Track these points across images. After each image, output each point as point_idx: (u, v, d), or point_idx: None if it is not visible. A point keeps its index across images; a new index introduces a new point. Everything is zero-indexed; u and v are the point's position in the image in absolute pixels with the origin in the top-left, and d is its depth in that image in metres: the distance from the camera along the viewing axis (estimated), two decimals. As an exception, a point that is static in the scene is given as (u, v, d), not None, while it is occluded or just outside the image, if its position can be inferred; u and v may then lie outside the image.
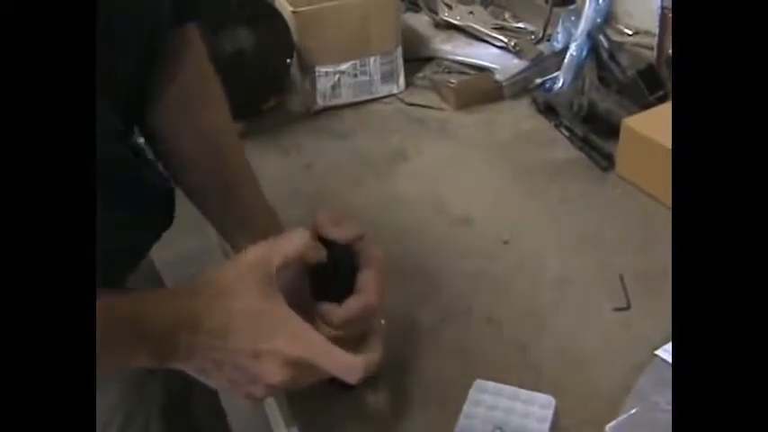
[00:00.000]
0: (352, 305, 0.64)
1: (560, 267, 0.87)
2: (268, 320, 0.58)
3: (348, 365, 0.59)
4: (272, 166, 1.11)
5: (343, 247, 0.65)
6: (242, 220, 0.74)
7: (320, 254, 0.64)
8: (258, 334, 0.57)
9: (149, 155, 0.75)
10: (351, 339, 0.64)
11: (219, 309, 0.58)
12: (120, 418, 0.76)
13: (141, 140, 0.75)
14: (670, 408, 0.66)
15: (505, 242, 0.92)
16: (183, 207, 0.75)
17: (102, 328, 0.46)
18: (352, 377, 0.59)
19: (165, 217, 0.72)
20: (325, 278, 0.66)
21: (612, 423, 0.67)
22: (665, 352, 0.73)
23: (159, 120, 0.72)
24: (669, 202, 0.95)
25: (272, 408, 0.97)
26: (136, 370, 0.78)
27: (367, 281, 0.65)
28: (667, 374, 0.70)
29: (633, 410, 0.67)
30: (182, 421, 0.88)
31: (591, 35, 1.18)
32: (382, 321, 0.68)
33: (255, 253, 0.60)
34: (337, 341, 0.64)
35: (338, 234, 0.65)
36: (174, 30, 0.71)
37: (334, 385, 0.73)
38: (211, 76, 0.76)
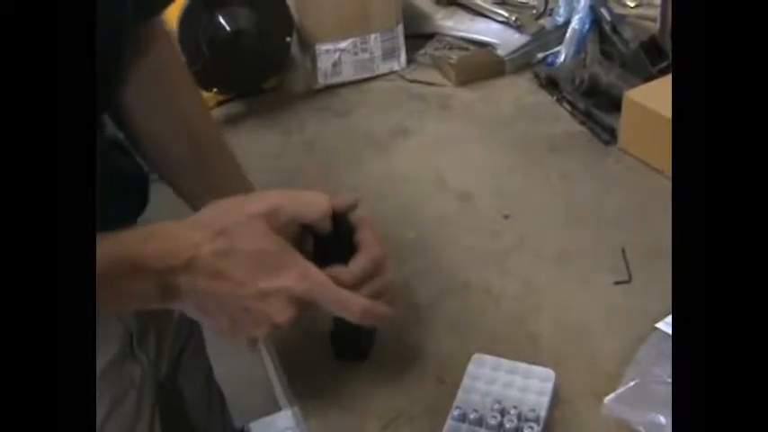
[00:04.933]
0: (361, 261, 0.64)
1: (561, 241, 0.87)
2: (272, 260, 0.58)
3: (353, 302, 0.61)
4: (274, 145, 1.11)
5: (341, 216, 0.65)
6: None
7: (328, 225, 0.64)
8: (263, 274, 0.57)
9: (122, 142, 0.75)
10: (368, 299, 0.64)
11: (220, 250, 0.57)
12: (108, 399, 0.76)
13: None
14: (670, 379, 0.66)
15: (506, 217, 0.91)
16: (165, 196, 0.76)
17: (101, 261, 0.47)
18: (356, 314, 0.61)
19: (137, 203, 0.72)
20: (326, 248, 0.66)
21: (612, 395, 0.67)
22: (666, 325, 0.72)
23: (132, 104, 0.72)
24: (671, 176, 0.94)
25: (274, 387, 0.98)
26: (120, 353, 0.77)
27: (365, 238, 0.65)
28: (668, 347, 0.69)
29: (633, 382, 0.67)
30: (172, 404, 0.88)
31: (593, 8, 1.17)
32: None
33: (262, 201, 0.61)
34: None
35: (336, 204, 0.65)
36: (140, 19, 0.71)
37: (340, 357, 0.74)
38: (179, 60, 0.77)
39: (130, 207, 0.73)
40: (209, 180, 0.75)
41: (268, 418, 0.96)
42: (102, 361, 0.74)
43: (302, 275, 0.59)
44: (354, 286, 0.63)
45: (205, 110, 0.78)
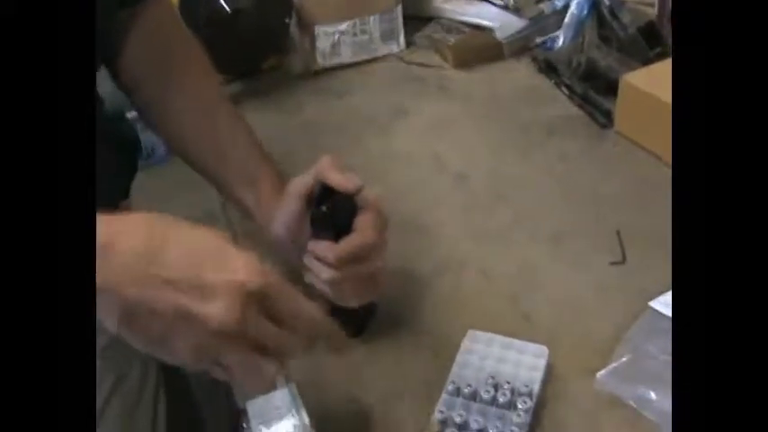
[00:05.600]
0: (350, 242, 0.64)
1: (557, 222, 0.88)
2: (217, 253, 0.48)
3: (307, 311, 0.52)
4: (272, 125, 1.11)
5: (344, 196, 0.66)
6: (242, 177, 0.74)
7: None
8: (206, 267, 0.47)
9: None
10: (349, 282, 0.64)
11: (153, 232, 0.48)
12: (112, 375, 0.76)
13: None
14: (661, 356, 0.67)
15: (503, 197, 0.92)
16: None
17: None
18: (305, 324, 0.51)
19: (127, 167, 0.71)
20: (325, 224, 0.66)
21: (604, 370, 0.68)
22: (659, 303, 0.73)
23: (134, 68, 0.73)
24: (668, 159, 0.95)
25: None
26: None
27: (364, 222, 0.65)
28: (660, 324, 0.70)
29: (624, 358, 0.68)
30: (176, 385, 0.88)
31: (592, -7, 1.17)
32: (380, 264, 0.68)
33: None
34: (335, 283, 0.64)
35: (340, 182, 0.65)
36: None
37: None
38: (179, 21, 0.76)
39: (120, 173, 0.72)
40: (228, 165, 0.74)
41: (264, 397, 0.96)
42: (105, 337, 0.75)
43: (256, 270, 0.48)
44: (337, 265, 0.63)
45: (212, 73, 0.77)
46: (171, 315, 0.47)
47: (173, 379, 0.86)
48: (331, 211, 0.65)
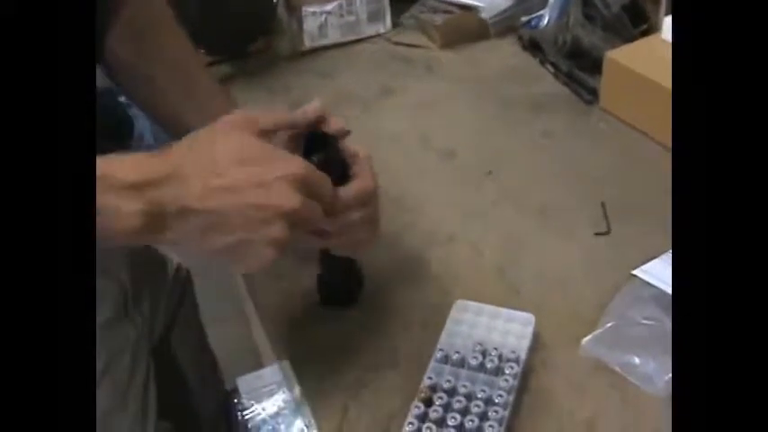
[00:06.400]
0: (354, 187, 0.63)
1: (543, 197, 0.89)
2: (262, 155, 0.54)
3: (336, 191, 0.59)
4: (260, 106, 1.12)
5: (336, 146, 0.65)
6: (210, 109, 0.70)
7: (307, 119, 0.64)
8: (258, 167, 0.53)
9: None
10: (352, 228, 0.64)
11: (203, 158, 0.53)
12: (104, 357, 0.76)
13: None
14: (645, 321, 0.69)
15: (489, 173, 0.93)
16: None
17: None
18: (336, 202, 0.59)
19: (118, 139, 0.71)
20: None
21: (589, 337, 0.69)
22: (642, 272, 0.74)
23: (121, 49, 0.72)
24: (651, 133, 0.96)
25: (259, 346, 1.00)
26: (115, 312, 0.78)
27: (360, 170, 0.65)
28: (643, 292, 0.72)
29: (609, 324, 0.69)
30: (165, 367, 0.89)
31: (576, -28, 1.18)
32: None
33: (238, 114, 0.58)
34: (339, 230, 0.63)
35: (338, 127, 0.65)
36: None
37: (328, 303, 0.76)
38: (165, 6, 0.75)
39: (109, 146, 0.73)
40: (194, 101, 0.73)
41: (255, 374, 0.97)
42: (98, 318, 0.75)
43: (299, 162, 0.55)
44: (344, 208, 0.62)
45: (185, 39, 0.76)
46: (244, 215, 0.52)
47: (162, 362, 0.87)
48: (327, 160, 0.64)
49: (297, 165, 0.55)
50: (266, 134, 0.57)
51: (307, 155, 0.62)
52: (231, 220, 0.52)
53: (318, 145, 0.64)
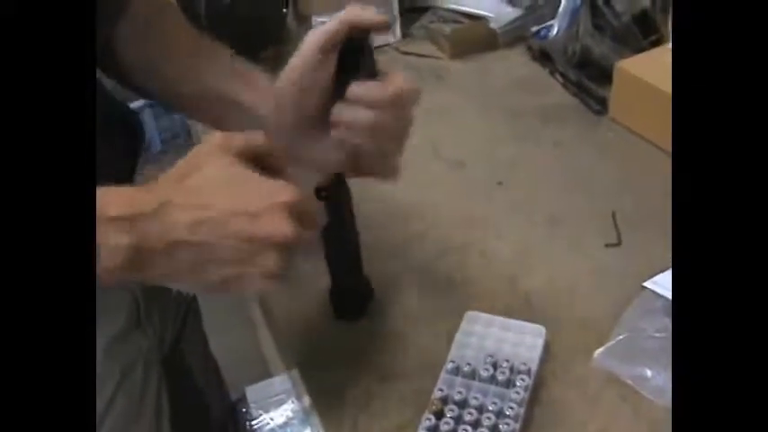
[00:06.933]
0: (393, 83, 0.61)
1: (553, 207, 0.89)
2: (248, 181, 0.53)
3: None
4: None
5: (370, 48, 0.62)
6: (226, 73, 0.72)
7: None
8: (245, 196, 0.52)
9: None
10: (384, 132, 0.62)
11: (191, 187, 0.52)
12: (119, 368, 0.76)
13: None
14: (657, 334, 0.69)
15: (499, 183, 0.93)
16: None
17: None
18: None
19: (130, 145, 0.71)
20: (356, 70, 0.62)
21: (601, 349, 0.69)
22: (653, 284, 0.74)
23: (130, 46, 0.71)
24: (660, 144, 0.96)
25: (266, 355, 0.99)
26: (128, 323, 0.77)
27: (395, 76, 0.62)
28: (654, 304, 0.72)
29: (621, 337, 0.69)
30: (176, 377, 0.89)
31: (586, -19, 1.18)
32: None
33: (215, 137, 0.55)
34: (374, 129, 0.62)
35: (377, 19, 0.61)
36: None
37: (341, 316, 0.75)
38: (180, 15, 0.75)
39: (123, 150, 0.72)
40: (215, 65, 0.72)
41: (264, 382, 0.97)
42: (112, 329, 0.75)
43: (287, 189, 0.53)
44: (381, 105, 0.60)
45: (190, 28, 0.74)
46: (234, 247, 0.51)
47: (173, 372, 0.87)
48: (364, 56, 0.61)
49: (285, 192, 0.53)
50: (249, 157, 0.55)
51: (340, 70, 0.61)
52: (221, 253, 0.51)
53: (352, 57, 0.61)
